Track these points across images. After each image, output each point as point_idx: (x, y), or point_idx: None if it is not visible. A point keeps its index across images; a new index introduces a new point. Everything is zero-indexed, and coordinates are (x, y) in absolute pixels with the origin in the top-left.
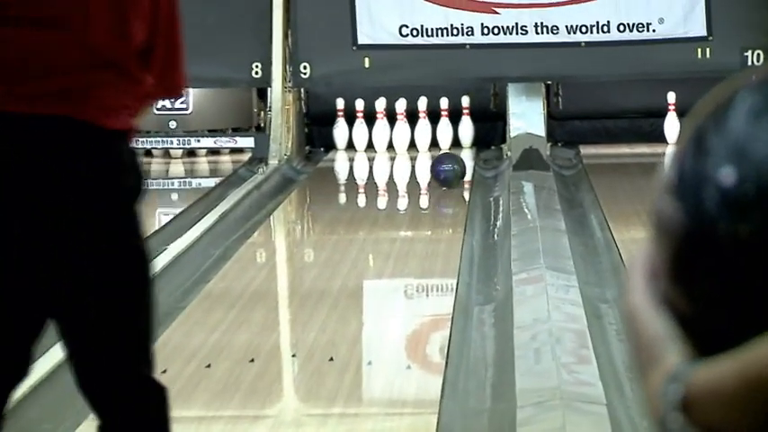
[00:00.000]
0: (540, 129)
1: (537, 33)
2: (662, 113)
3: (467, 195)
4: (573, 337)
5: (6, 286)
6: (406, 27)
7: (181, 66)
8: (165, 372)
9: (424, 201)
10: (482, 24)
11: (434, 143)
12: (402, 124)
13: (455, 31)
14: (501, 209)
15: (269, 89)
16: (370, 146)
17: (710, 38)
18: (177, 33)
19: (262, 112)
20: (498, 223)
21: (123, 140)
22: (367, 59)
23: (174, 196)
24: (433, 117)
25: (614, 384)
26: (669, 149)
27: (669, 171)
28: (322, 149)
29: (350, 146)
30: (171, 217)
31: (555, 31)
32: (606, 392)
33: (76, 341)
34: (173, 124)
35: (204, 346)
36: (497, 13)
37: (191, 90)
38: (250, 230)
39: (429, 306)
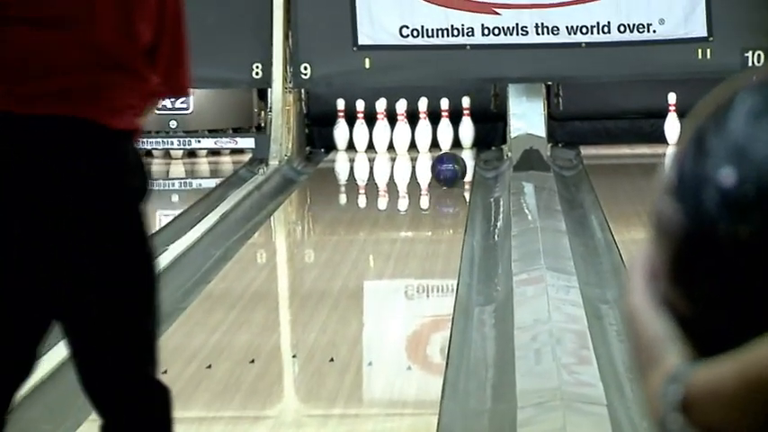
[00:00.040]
0: (540, 129)
1: (537, 34)
2: (662, 114)
3: (467, 196)
4: (573, 338)
5: (7, 286)
6: (407, 28)
7: (186, 65)
8: (165, 372)
9: (424, 201)
10: (482, 25)
11: (435, 144)
12: (402, 125)
13: (455, 32)
14: (501, 209)
15: (269, 90)
16: (370, 146)
17: (711, 39)
18: (183, 33)
19: (262, 113)
20: (499, 224)
21: (128, 140)
22: (367, 60)
23: (175, 197)
24: (434, 118)
25: (615, 385)
26: (669, 150)
27: (669, 172)
28: (322, 150)
29: (350, 146)
30: (171, 218)
31: (555, 32)
32: (607, 393)
33: (80, 341)
34: (173, 124)
35: (205, 346)
36: (498, 13)
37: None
38: (251, 231)
39: (429, 307)
